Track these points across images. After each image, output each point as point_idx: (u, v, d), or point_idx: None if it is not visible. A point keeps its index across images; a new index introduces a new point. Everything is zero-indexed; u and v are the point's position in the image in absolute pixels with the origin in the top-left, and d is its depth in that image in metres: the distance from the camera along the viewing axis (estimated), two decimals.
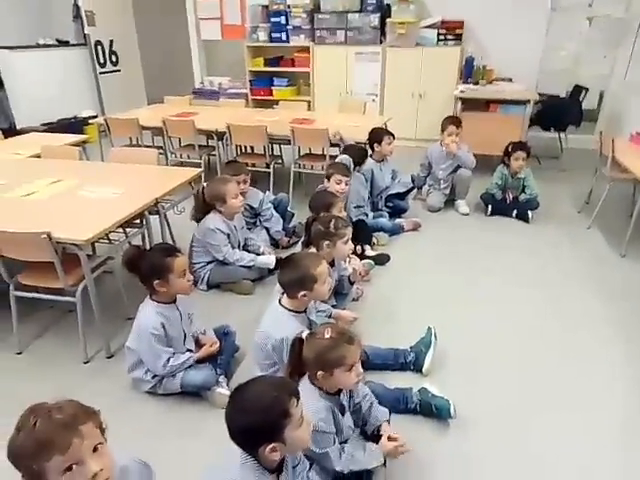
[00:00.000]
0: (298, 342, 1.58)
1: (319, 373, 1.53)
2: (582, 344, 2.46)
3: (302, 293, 1.92)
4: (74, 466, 1.03)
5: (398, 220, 3.75)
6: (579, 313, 2.71)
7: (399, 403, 1.97)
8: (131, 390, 2.14)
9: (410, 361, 2.23)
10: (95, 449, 1.07)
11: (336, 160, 3.45)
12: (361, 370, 1.57)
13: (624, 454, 1.84)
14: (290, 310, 1.98)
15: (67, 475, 1.02)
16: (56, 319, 2.62)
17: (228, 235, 2.90)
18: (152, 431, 1.95)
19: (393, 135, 3.81)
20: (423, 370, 2.20)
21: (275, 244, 3.42)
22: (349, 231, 2.43)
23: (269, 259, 2.99)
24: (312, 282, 1.92)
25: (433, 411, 1.94)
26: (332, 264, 2.48)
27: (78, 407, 1.09)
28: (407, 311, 2.70)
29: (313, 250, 2.45)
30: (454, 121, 3.98)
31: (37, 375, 2.26)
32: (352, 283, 2.65)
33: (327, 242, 2.39)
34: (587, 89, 5.19)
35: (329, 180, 3.18)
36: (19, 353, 2.39)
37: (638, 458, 1.82)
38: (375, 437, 1.73)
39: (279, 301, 2.01)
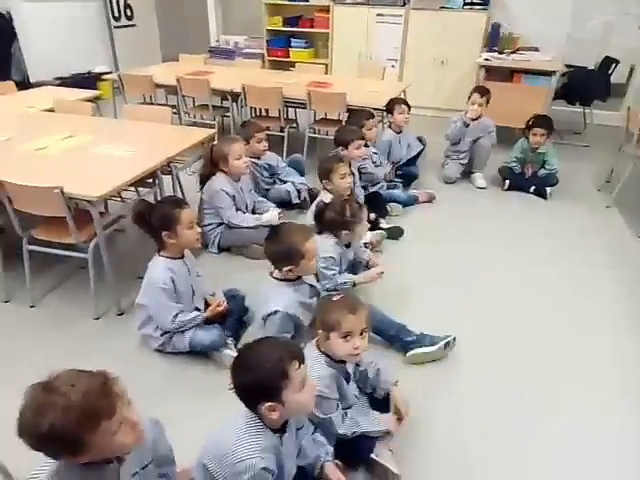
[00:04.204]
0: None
1: (319, 331, 1.58)
2: (591, 322, 2.44)
3: (288, 268, 1.90)
4: (122, 425, 1.06)
5: (412, 191, 3.68)
6: (590, 293, 2.67)
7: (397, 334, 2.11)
8: (140, 347, 2.17)
9: (406, 341, 2.12)
10: (129, 402, 1.11)
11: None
12: (360, 344, 1.54)
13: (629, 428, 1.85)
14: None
15: (115, 435, 1.06)
16: (68, 275, 2.65)
17: (234, 197, 2.87)
18: (159, 388, 1.98)
19: (408, 105, 3.67)
20: (408, 354, 2.10)
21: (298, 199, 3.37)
22: (364, 212, 2.35)
23: (272, 214, 2.95)
24: (299, 258, 1.88)
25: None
26: (348, 245, 2.44)
27: (94, 374, 1.08)
28: (416, 285, 2.68)
29: (327, 236, 2.34)
30: (479, 89, 3.84)
31: (49, 329, 2.30)
32: (368, 267, 2.56)
33: (346, 232, 2.31)
34: (618, 61, 4.96)
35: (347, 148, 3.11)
36: (32, 306, 2.43)
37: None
38: (384, 401, 1.75)
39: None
